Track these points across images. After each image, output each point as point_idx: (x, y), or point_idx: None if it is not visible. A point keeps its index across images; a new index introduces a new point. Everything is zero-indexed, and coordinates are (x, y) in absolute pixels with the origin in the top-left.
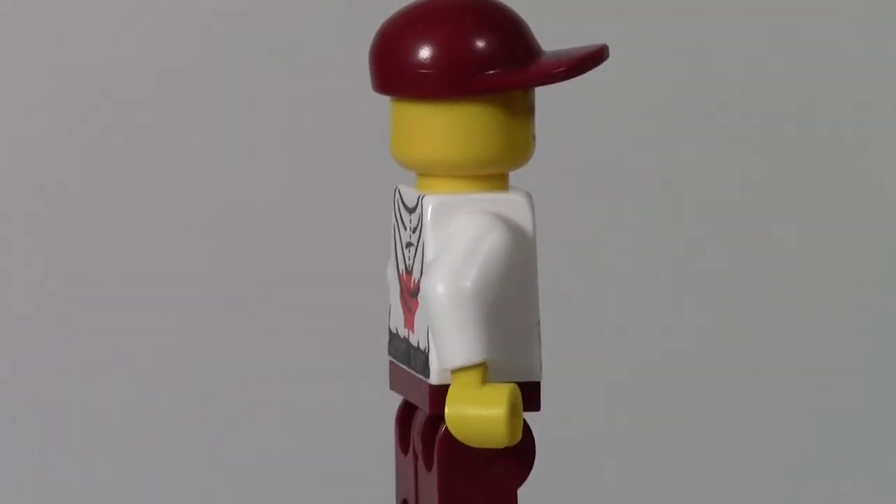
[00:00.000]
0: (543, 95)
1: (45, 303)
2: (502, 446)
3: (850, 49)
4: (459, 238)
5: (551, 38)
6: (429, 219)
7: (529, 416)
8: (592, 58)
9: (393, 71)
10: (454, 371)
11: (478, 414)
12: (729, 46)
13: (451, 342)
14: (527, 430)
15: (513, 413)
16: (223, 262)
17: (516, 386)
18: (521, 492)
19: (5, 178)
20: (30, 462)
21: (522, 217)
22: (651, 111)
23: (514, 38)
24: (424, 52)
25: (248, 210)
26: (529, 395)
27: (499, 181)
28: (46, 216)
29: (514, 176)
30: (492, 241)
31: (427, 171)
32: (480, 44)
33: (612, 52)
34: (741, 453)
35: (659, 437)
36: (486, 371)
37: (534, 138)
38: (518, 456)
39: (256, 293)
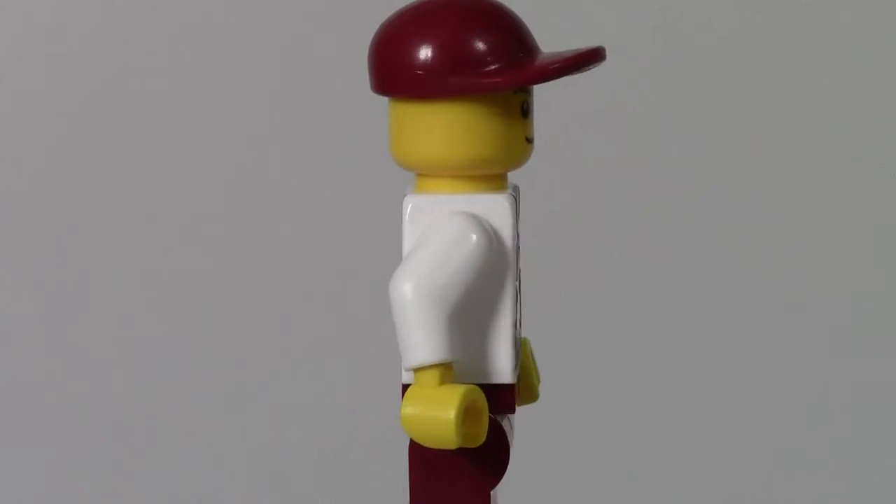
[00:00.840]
0: (543, 96)
1: (45, 303)
2: (454, 447)
3: (851, 49)
4: (431, 238)
5: (554, 38)
6: (406, 218)
7: (520, 418)
8: (587, 57)
9: (390, 72)
10: (415, 370)
11: (428, 415)
12: (729, 46)
13: (413, 341)
14: (501, 434)
15: (467, 415)
16: (237, 263)
17: (476, 388)
18: (509, 493)
19: (5, 176)
20: (30, 462)
21: (502, 218)
22: (650, 111)
23: (509, 38)
24: (420, 53)
25: (259, 210)
26: (502, 397)
27: (496, 182)
28: (46, 216)
29: (513, 176)
30: (464, 243)
31: (424, 172)
32: (476, 43)
33: (612, 52)
34: (739, 453)
35: (659, 437)
36: (446, 371)
37: (531, 139)
38: (491, 459)
39: (274, 293)
